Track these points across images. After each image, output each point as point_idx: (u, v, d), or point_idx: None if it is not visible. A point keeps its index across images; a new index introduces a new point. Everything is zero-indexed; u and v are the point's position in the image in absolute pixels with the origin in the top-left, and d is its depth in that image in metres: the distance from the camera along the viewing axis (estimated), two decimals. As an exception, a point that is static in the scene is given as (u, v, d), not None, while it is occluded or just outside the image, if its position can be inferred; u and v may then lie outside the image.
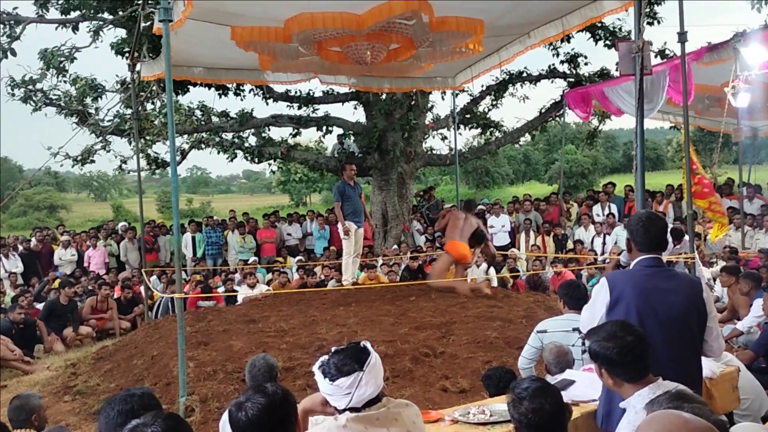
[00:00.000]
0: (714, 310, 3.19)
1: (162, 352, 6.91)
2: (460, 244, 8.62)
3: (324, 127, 14.59)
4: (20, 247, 13.68)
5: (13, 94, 12.49)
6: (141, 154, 12.47)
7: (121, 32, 12.50)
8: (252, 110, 13.85)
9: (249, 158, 14.41)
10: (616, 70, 9.55)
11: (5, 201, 16.75)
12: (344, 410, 2.47)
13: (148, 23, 9.19)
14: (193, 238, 13.76)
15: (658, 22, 13.24)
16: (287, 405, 2.28)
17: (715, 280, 8.81)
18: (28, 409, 4.00)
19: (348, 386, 2.43)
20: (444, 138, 16.20)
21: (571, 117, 14.74)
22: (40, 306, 10.29)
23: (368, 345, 2.57)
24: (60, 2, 11.92)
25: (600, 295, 3.18)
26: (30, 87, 12.34)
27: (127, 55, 11.42)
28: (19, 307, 9.18)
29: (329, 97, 14.51)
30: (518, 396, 2.48)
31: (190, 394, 5.61)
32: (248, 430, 2.19)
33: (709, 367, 3.68)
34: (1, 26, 11.69)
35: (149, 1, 7.92)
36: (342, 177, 9.40)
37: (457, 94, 11.48)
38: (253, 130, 14.35)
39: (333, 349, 2.58)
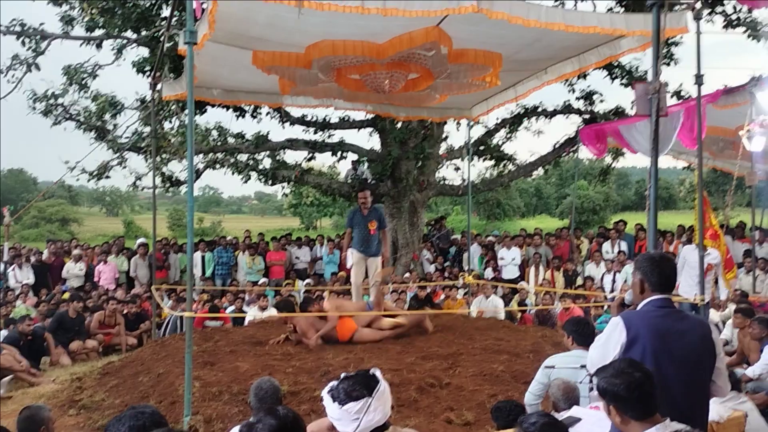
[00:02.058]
0: (722, 351, 3.19)
1: (168, 371, 6.90)
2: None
3: (339, 153, 14.71)
4: (32, 259, 13.77)
5: (35, 108, 12.71)
6: (156, 172, 12.61)
7: (144, 51, 12.73)
8: (268, 133, 14.02)
9: (263, 180, 14.54)
10: (632, 108, 9.61)
11: (20, 213, 16.92)
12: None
13: (171, 44, 9.40)
14: (203, 258, 13.81)
15: (675, 63, 13.33)
16: (298, 428, 2.30)
17: (724, 323, 8.75)
18: (38, 420, 4.01)
19: (356, 411, 2.44)
20: (457, 168, 16.31)
21: (585, 153, 14.81)
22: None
23: (378, 372, 2.59)
24: (85, 20, 12.16)
25: (614, 335, 3.15)
26: (51, 101, 12.54)
27: (148, 73, 11.62)
28: (29, 318, 9.22)
29: (345, 123, 14.65)
30: (526, 430, 2.48)
31: (194, 414, 5.59)
32: None
33: (716, 410, 3.66)
34: (27, 41, 11.91)
35: (173, 23, 8.10)
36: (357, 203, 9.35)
37: (472, 126, 11.57)
38: (268, 153, 14.48)
39: (342, 374, 2.60)
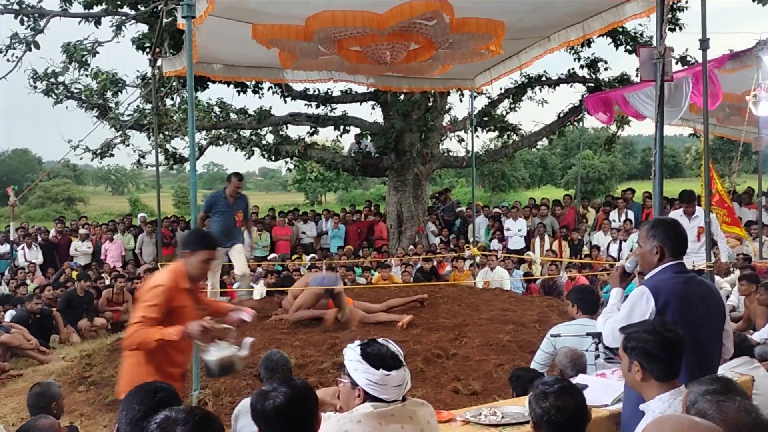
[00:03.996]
0: (727, 313, 3.23)
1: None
2: None
3: (341, 127, 14.63)
4: (39, 238, 13.83)
5: (35, 87, 12.64)
6: (159, 149, 12.58)
7: (143, 28, 12.61)
8: (270, 108, 13.94)
9: (266, 156, 14.51)
10: (637, 75, 9.50)
11: (24, 192, 16.96)
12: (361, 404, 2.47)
13: (170, 19, 9.31)
14: (209, 234, 13.82)
15: (680, 29, 13.14)
16: (312, 397, 2.30)
17: (732, 287, 8.73)
18: (48, 396, 4.06)
19: (400, 378, 2.45)
20: (461, 140, 16.22)
21: (590, 122, 14.71)
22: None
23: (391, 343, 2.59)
24: (83, -5, 12.06)
25: (640, 304, 3.07)
26: (52, 80, 12.47)
27: (148, 50, 11.53)
28: (36, 297, 9.28)
29: (347, 97, 14.55)
30: (543, 391, 2.48)
31: (203, 388, 5.65)
32: (273, 420, 2.19)
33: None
34: (26, 19, 11.81)
35: (172, -2, 8.00)
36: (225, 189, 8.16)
37: (475, 97, 11.47)
38: (270, 128, 14.41)
39: (361, 342, 2.58)
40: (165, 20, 8.98)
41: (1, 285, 11.61)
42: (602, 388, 3.60)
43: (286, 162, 15.72)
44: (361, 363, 2.46)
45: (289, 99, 14.30)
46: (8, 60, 11.80)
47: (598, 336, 3.92)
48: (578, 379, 3.83)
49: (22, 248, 13.00)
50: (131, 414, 2.39)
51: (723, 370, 3.49)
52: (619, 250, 11.64)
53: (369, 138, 15.00)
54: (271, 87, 13.93)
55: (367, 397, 2.45)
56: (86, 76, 12.70)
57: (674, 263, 3.16)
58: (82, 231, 13.98)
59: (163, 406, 2.29)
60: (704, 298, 3.12)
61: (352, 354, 2.50)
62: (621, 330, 2.83)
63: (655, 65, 4.03)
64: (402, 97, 13.26)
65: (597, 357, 4.06)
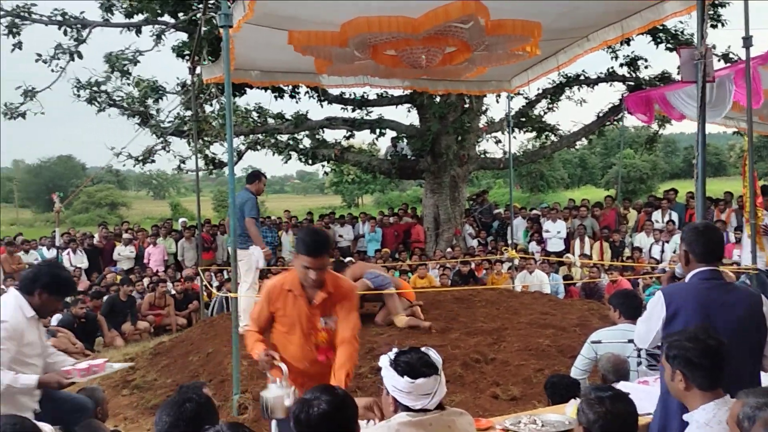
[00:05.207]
0: None
1: (217, 350, 7.05)
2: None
3: (377, 130, 14.65)
4: (84, 243, 14.15)
5: (79, 95, 12.95)
6: (199, 155, 12.78)
7: (183, 36, 12.83)
8: (307, 112, 14.03)
9: (303, 160, 14.61)
10: (678, 73, 9.31)
11: (69, 199, 17.37)
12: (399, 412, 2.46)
13: (208, 28, 9.46)
14: (248, 238, 13.97)
15: (722, 25, 12.84)
16: (352, 406, 2.31)
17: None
18: (93, 401, 4.14)
19: (430, 386, 2.43)
20: (498, 141, 16.09)
21: (630, 120, 14.46)
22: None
23: (432, 351, 2.57)
24: (124, 6, 12.31)
25: (656, 309, 3.09)
26: (95, 89, 12.76)
27: (187, 58, 11.72)
28: (81, 302, 9.50)
29: (383, 100, 14.56)
30: (599, 397, 2.45)
31: (243, 392, 5.71)
32: (316, 428, 2.21)
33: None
34: (69, 30, 12.12)
35: (209, 6, 8.14)
36: (251, 189, 7.76)
37: (512, 97, 11.37)
38: (307, 132, 14.52)
39: (396, 350, 2.58)
40: (204, 28, 9.13)
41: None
42: (645, 396, 3.53)
43: (323, 165, 15.81)
44: (389, 370, 2.48)
45: (325, 103, 14.37)
46: (52, 70, 12.11)
47: (640, 342, 3.85)
48: (620, 386, 3.76)
49: (68, 253, 13.32)
50: (159, 426, 2.40)
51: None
52: (662, 251, 11.42)
53: (405, 141, 15.00)
54: (307, 91, 14.02)
55: (398, 405, 2.46)
56: (128, 84, 12.96)
57: (703, 269, 3.09)
58: (125, 236, 14.27)
59: (192, 417, 2.31)
60: (728, 305, 3.00)
61: (384, 361, 2.52)
62: (663, 338, 2.78)
63: (696, 66, 3.94)
64: (438, 99, 13.23)
65: (639, 364, 4.00)
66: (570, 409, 3.51)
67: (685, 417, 2.66)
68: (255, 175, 7.79)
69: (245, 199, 7.38)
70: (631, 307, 4.52)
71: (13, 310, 3.74)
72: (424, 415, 2.43)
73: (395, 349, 2.55)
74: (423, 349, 2.54)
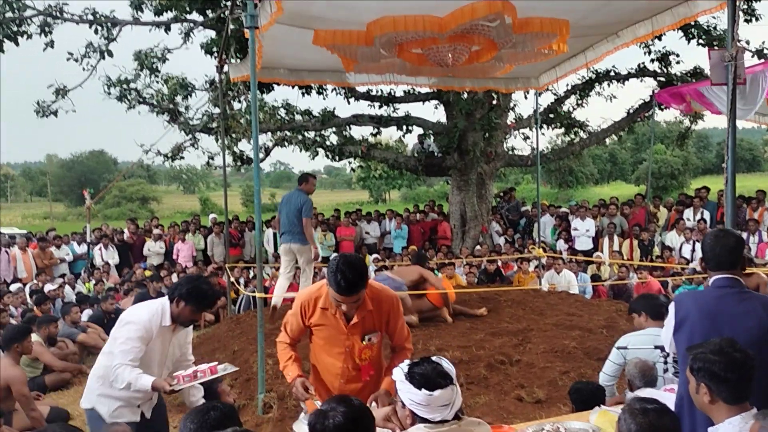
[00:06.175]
0: None
1: (243, 348, 7.11)
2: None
3: (404, 127, 14.63)
4: (115, 239, 14.36)
5: (109, 93, 13.16)
6: (227, 151, 12.90)
7: (211, 33, 12.94)
8: (334, 109, 14.07)
9: (330, 156, 14.66)
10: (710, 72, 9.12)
11: (101, 194, 17.66)
12: (418, 423, 2.45)
13: (235, 27, 9.52)
14: (274, 234, 14.07)
15: (756, 20, 12.55)
16: (369, 416, 2.30)
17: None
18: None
19: (447, 398, 2.41)
20: (526, 138, 15.97)
21: (662, 116, 14.25)
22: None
23: (444, 360, 2.55)
24: (153, 4, 12.45)
25: (669, 315, 3.12)
26: (125, 86, 12.94)
27: (216, 54, 11.82)
28: (111, 298, 9.63)
29: (410, 97, 14.54)
30: (644, 408, 2.42)
31: (268, 391, 5.75)
32: None
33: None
34: (99, 28, 12.30)
35: (237, 5, 8.17)
36: (304, 189, 8.03)
37: (540, 94, 11.25)
38: (334, 129, 14.56)
39: (409, 361, 2.57)
40: (232, 26, 9.18)
41: (77, 285, 12.13)
42: (671, 404, 3.47)
43: (350, 162, 15.83)
44: (405, 383, 2.46)
45: (352, 99, 14.40)
46: (83, 69, 12.30)
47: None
48: (646, 393, 3.70)
49: (99, 249, 13.54)
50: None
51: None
52: (693, 251, 11.21)
53: (432, 138, 14.95)
54: (335, 88, 14.05)
55: (416, 418, 2.44)
56: (157, 82, 13.13)
57: (718, 277, 3.06)
58: (155, 231, 14.45)
59: (217, 425, 2.33)
60: (740, 316, 2.94)
61: (399, 374, 2.50)
62: (687, 350, 2.73)
63: (726, 68, 3.84)
64: (465, 96, 13.15)
65: (666, 371, 3.92)
66: (594, 417, 3.47)
67: (711, 430, 2.61)
68: (304, 177, 8.20)
69: (303, 200, 7.81)
70: (655, 308, 4.44)
71: (151, 315, 3.88)
72: (442, 426, 2.41)
73: (407, 361, 2.54)
74: (434, 358, 2.52)
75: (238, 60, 10.41)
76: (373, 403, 3.27)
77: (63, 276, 12.46)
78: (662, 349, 3.92)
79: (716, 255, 3.07)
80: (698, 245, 11.15)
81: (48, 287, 11.16)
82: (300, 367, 3.50)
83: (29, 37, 11.90)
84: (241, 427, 2.39)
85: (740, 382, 2.54)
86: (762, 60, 11.78)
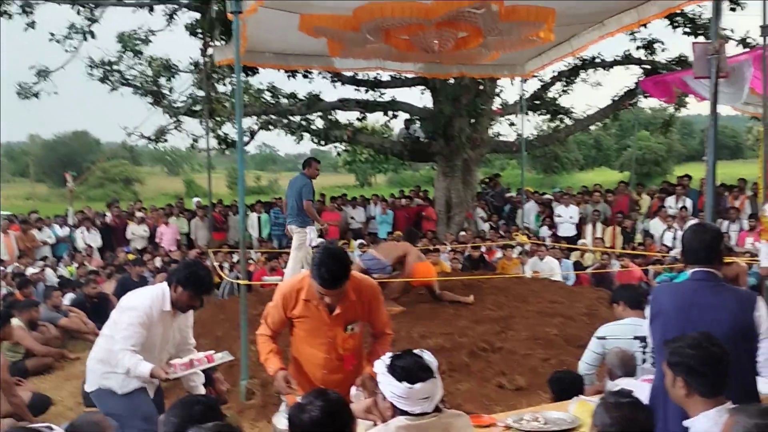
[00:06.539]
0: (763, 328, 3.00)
1: (226, 333, 7.11)
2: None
3: (390, 112, 14.59)
4: (98, 221, 14.25)
5: (92, 74, 12.99)
6: (211, 134, 12.81)
7: (196, 14, 12.77)
8: (320, 93, 13.99)
9: (316, 141, 14.60)
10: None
11: (84, 177, 17.50)
12: (396, 416, 2.47)
13: (220, 8, 9.43)
14: (258, 219, 14.04)
15: (742, 8, 12.59)
16: (347, 411, 2.32)
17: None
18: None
19: (427, 391, 2.43)
20: (512, 124, 16.00)
21: (646, 102, 14.30)
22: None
23: (426, 354, 2.57)
24: (137, -17, 12.29)
25: (648, 306, 3.22)
26: (107, 68, 12.78)
27: (200, 35, 11.70)
28: (93, 282, 9.57)
29: (396, 82, 14.47)
30: (618, 402, 2.45)
31: (251, 378, 5.77)
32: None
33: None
34: (82, 9, 12.11)
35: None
36: (307, 173, 8.25)
37: (526, 80, 11.26)
38: (320, 113, 14.48)
39: (391, 353, 2.58)
40: (215, 8, 9.09)
41: (59, 268, 12.05)
42: (648, 394, 3.52)
43: (335, 146, 15.79)
44: (386, 376, 2.47)
45: (338, 83, 14.32)
46: (66, 50, 12.13)
47: (646, 340, 3.85)
48: (623, 384, 3.75)
49: (81, 232, 13.44)
50: (167, 427, 2.43)
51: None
52: (674, 238, 11.32)
53: (418, 123, 14.93)
54: (321, 72, 13.97)
55: (396, 410, 2.46)
56: (140, 64, 12.98)
57: (695, 270, 3.11)
58: (138, 214, 14.35)
59: (200, 419, 2.34)
60: (711, 307, 2.99)
61: (380, 366, 2.51)
62: (665, 344, 2.76)
63: (709, 61, 3.87)
64: (452, 82, 13.12)
65: (644, 361, 3.98)
66: (573, 407, 3.51)
67: (686, 423, 2.65)
68: (307, 162, 8.45)
69: (302, 183, 8.07)
70: (634, 298, 4.49)
71: (152, 300, 3.93)
72: (422, 419, 2.43)
73: (390, 354, 2.56)
74: (417, 351, 2.54)
75: (223, 42, 10.31)
76: (357, 392, 3.28)
77: (45, 259, 12.36)
78: (641, 339, 3.98)
79: (693, 249, 3.12)
80: (680, 233, 11.28)
81: (30, 270, 11.08)
82: (281, 359, 3.50)
83: (10, 17, 11.70)
84: (223, 421, 2.40)
85: (716, 377, 2.59)
86: (746, 50, 11.83)
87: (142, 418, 3.85)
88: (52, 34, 12.13)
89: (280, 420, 3.17)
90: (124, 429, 3.83)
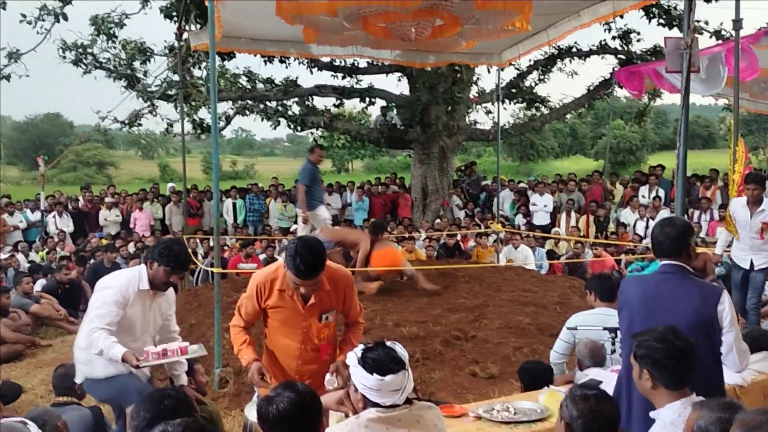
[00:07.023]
0: (732, 322, 3.05)
1: (200, 321, 7.09)
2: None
3: (367, 99, 14.54)
4: (70, 206, 14.06)
5: (64, 57, 12.75)
6: (186, 119, 12.66)
7: (170, -3, 12.58)
8: (296, 78, 13.89)
9: (292, 127, 14.52)
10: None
11: (57, 161, 17.22)
12: (368, 408, 2.49)
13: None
14: (234, 205, 13.96)
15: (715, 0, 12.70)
16: (316, 404, 2.33)
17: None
18: (72, 377, 4.15)
19: (399, 383, 2.44)
20: (489, 112, 16.04)
21: (622, 92, 14.40)
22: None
23: (397, 346, 2.57)
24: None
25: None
26: (80, 50, 12.55)
27: (176, 19, 11.51)
28: (65, 268, 9.46)
29: (373, 68, 14.41)
30: (584, 395, 2.48)
31: (225, 366, 5.76)
32: (278, 424, 2.25)
33: (741, 375, 3.60)
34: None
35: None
36: (311, 159, 8.61)
37: (502, 69, 11.28)
38: (297, 99, 14.39)
39: (363, 345, 2.59)
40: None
41: (30, 253, 11.88)
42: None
43: (312, 133, 15.72)
44: (357, 368, 2.48)
45: (315, 69, 14.23)
46: (37, 32, 11.88)
47: (615, 331, 3.91)
48: (593, 374, 3.82)
49: (53, 216, 13.25)
50: (137, 422, 2.43)
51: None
52: (646, 228, 11.47)
53: (395, 110, 14.91)
54: (298, 57, 13.85)
55: (367, 402, 2.48)
56: (114, 47, 12.76)
57: (663, 263, 3.19)
58: (108, 199, 14.17)
59: (170, 413, 2.33)
60: (677, 301, 3.05)
61: (352, 358, 2.52)
62: (632, 337, 2.82)
63: (681, 56, 3.92)
64: (429, 69, 13.10)
65: (613, 352, 4.05)
66: (543, 397, 3.57)
67: (652, 414, 2.71)
68: (311, 148, 9.07)
69: (303, 167, 8.63)
70: (606, 289, 4.56)
71: (128, 279, 3.89)
72: (393, 410, 2.45)
73: (362, 345, 2.57)
74: (389, 343, 2.55)
75: (198, 27, 10.17)
76: (331, 378, 3.29)
77: (17, 244, 12.17)
78: (610, 330, 4.04)
79: (660, 243, 3.19)
80: (652, 222, 11.45)
81: (0, 255, 10.92)
82: (255, 350, 3.50)
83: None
84: (192, 416, 2.40)
85: (681, 369, 2.65)
86: (719, 42, 11.97)
87: (138, 392, 3.76)
88: (24, 16, 11.87)
89: (252, 411, 3.17)
90: (125, 407, 3.85)
